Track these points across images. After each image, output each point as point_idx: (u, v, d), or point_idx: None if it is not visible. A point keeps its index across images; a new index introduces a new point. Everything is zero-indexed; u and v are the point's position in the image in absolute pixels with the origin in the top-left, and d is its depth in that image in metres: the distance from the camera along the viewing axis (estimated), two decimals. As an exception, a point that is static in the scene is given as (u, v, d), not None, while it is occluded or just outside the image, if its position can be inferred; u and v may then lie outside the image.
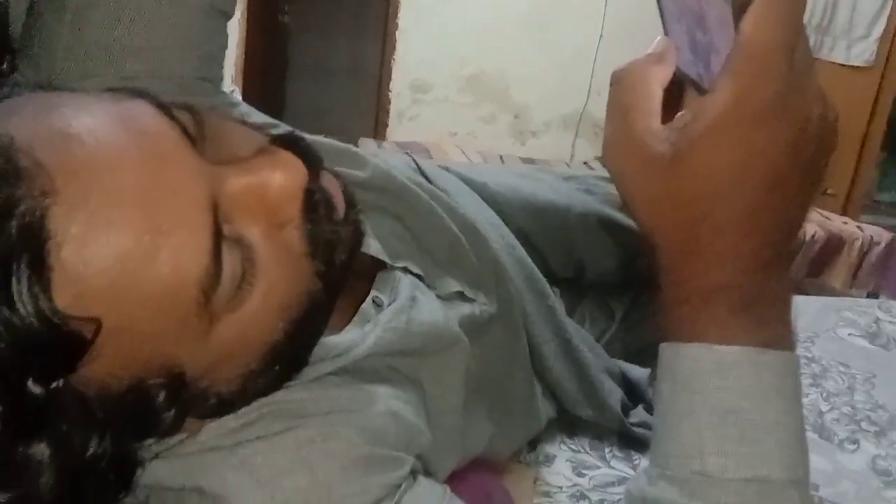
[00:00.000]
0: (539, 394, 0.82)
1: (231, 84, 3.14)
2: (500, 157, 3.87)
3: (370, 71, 4.22)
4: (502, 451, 0.80)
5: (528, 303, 0.79)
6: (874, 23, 3.73)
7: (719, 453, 0.43)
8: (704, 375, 0.44)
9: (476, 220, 0.78)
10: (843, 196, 3.91)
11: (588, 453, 0.88)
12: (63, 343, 0.37)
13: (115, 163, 0.39)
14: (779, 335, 0.44)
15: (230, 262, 0.42)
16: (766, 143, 0.41)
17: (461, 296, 0.71)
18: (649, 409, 0.86)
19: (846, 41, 3.74)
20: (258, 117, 0.70)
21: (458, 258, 0.73)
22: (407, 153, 0.95)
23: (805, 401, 0.46)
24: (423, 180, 0.80)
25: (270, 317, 0.46)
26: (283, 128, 0.67)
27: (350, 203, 0.51)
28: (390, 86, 4.04)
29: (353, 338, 0.57)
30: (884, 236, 3.16)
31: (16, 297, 0.35)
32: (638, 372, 0.88)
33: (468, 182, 0.88)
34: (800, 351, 0.47)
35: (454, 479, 0.67)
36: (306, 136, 0.57)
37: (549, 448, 0.88)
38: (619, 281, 0.95)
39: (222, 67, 0.70)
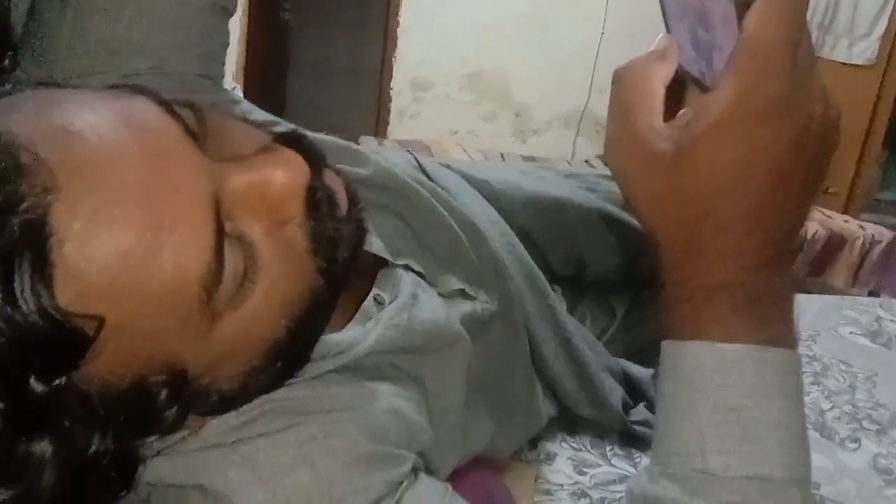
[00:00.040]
0: (540, 392, 0.82)
1: (232, 81, 3.14)
2: (502, 156, 3.87)
3: (371, 69, 4.21)
4: (503, 450, 0.80)
5: (529, 301, 0.79)
6: (876, 21, 3.73)
7: (721, 451, 0.43)
8: (706, 373, 0.44)
9: (476, 218, 0.78)
10: (844, 194, 3.91)
11: (589, 451, 0.88)
12: (65, 340, 0.37)
13: (117, 159, 0.39)
14: (781, 333, 0.44)
15: (232, 259, 0.42)
16: (768, 141, 0.41)
17: (462, 293, 0.71)
18: (650, 408, 0.86)
19: (848, 40, 3.74)
20: (259, 115, 0.70)
21: (459, 256, 0.73)
22: (408, 151, 0.95)
23: (806, 399, 0.46)
24: (423, 178, 0.80)
25: (272, 314, 0.46)
26: (285, 125, 0.67)
27: (353, 201, 0.51)
28: (391, 84, 4.04)
29: (354, 335, 0.57)
30: (885, 235, 3.16)
31: (18, 294, 0.35)
32: (639, 370, 0.88)
33: (469, 179, 0.88)
34: (801, 349, 0.47)
35: (455, 477, 0.67)
36: (308, 133, 0.57)
37: (551, 446, 0.88)
38: (621, 279, 0.95)
39: (224, 65, 0.70)
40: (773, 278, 0.44)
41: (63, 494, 0.39)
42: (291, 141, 0.48)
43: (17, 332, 0.35)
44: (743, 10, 0.40)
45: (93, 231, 0.37)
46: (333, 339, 0.56)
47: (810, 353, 1.17)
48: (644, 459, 0.87)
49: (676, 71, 0.45)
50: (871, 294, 3.04)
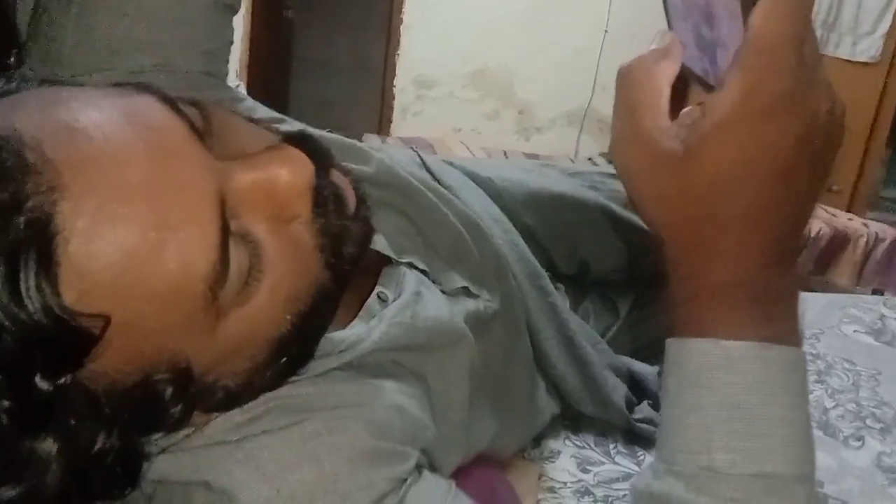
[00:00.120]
0: (542, 390, 0.82)
1: (235, 79, 3.14)
2: (505, 153, 3.87)
3: (374, 66, 4.21)
4: (506, 447, 0.80)
5: (531, 299, 0.79)
6: (880, 19, 3.72)
7: (726, 449, 0.43)
8: (712, 370, 0.44)
9: (479, 216, 0.78)
10: (848, 192, 3.90)
11: (592, 449, 0.88)
12: (70, 339, 0.37)
13: (122, 158, 0.39)
14: (785, 331, 0.44)
15: (237, 257, 0.42)
16: (774, 138, 0.41)
17: (466, 291, 0.71)
18: (654, 406, 0.86)
19: (852, 37, 3.73)
20: (263, 112, 0.70)
21: (463, 254, 0.73)
22: (412, 148, 0.95)
23: (810, 398, 0.46)
24: (427, 176, 0.80)
25: (277, 311, 0.46)
26: (289, 123, 0.67)
27: (361, 199, 0.51)
28: (394, 81, 4.04)
29: (358, 333, 0.57)
30: (889, 233, 3.16)
31: (23, 293, 0.35)
32: (643, 368, 0.88)
33: (473, 177, 0.88)
34: (805, 347, 0.46)
35: (459, 475, 0.67)
36: (315, 132, 0.57)
37: (554, 444, 0.88)
38: (624, 277, 0.95)
39: (227, 62, 0.70)
40: (778, 276, 0.44)
41: (68, 491, 0.39)
42: (297, 140, 0.48)
43: (22, 331, 0.35)
44: (748, 7, 0.40)
45: (98, 229, 0.37)
46: (337, 336, 0.56)
47: (814, 352, 1.16)
48: (647, 457, 0.87)
49: (679, 69, 0.45)
50: (874, 292, 3.03)
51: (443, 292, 0.69)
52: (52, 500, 0.39)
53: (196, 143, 0.42)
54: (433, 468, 0.59)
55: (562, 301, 0.85)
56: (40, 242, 0.36)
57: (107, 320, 0.38)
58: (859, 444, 0.96)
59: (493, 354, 0.72)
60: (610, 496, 0.81)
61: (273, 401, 0.51)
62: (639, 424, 0.84)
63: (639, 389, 0.87)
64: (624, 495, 0.81)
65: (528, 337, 0.79)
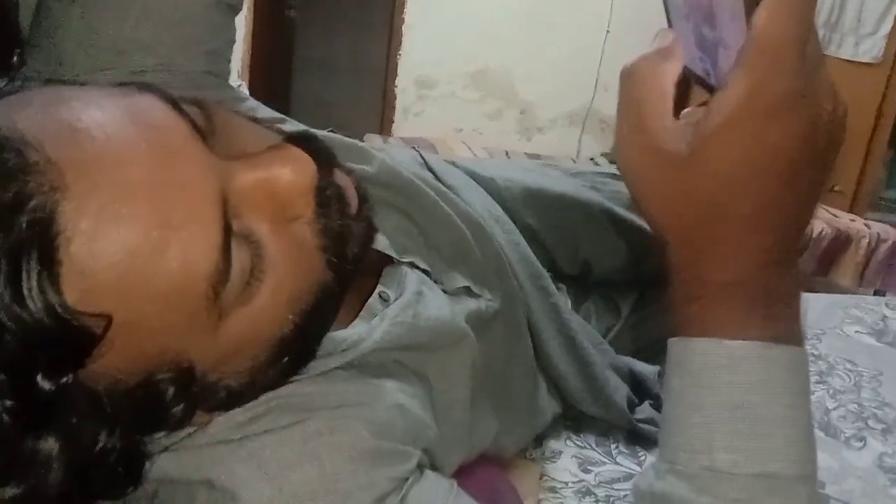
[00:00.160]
0: (544, 390, 0.82)
1: (237, 79, 3.14)
2: (506, 153, 3.87)
3: (376, 66, 4.21)
4: (508, 447, 0.80)
5: (533, 299, 0.79)
6: (882, 19, 3.72)
7: (728, 449, 0.43)
8: (715, 370, 0.44)
9: (481, 216, 0.78)
10: (850, 193, 3.90)
11: (594, 449, 0.88)
12: (72, 338, 0.37)
13: (125, 157, 0.39)
14: (788, 331, 0.44)
15: (239, 257, 0.42)
16: (778, 138, 0.41)
17: (468, 291, 0.71)
18: (656, 406, 0.86)
19: (854, 38, 3.73)
20: (265, 112, 0.71)
21: (464, 254, 0.73)
22: (414, 148, 0.95)
23: (811, 398, 0.46)
24: (429, 175, 0.80)
25: (279, 311, 0.46)
26: (291, 123, 0.68)
27: (363, 199, 0.51)
28: (396, 81, 4.04)
29: (360, 332, 0.57)
30: (891, 234, 3.15)
31: (25, 293, 0.36)
32: (644, 368, 0.88)
33: (475, 177, 0.88)
34: (806, 348, 0.47)
35: (461, 474, 0.67)
36: (317, 132, 0.57)
37: (555, 444, 0.88)
38: (625, 278, 0.95)
39: (229, 62, 0.70)
40: (781, 276, 0.44)
41: (70, 491, 0.39)
42: (300, 140, 0.48)
43: (24, 331, 0.36)
44: (751, 7, 0.40)
45: (100, 229, 0.37)
46: (339, 335, 0.56)
47: (815, 352, 1.16)
48: (649, 457, 0.87)
49: (681, 70, 0.45)
50: (876, 293, 3.03)
51: (444, 292, 0.69)
52: (54, 500, 0.39)
53: (198, 142, 0.42)
54: (435, 468, 0.59)
55: (563, 301, 0.85)
56: (42, 242, 0.36)
57: (109, 320, 0.38)
58: (861, 444, 0.96)
59: (494, 354, 0.72)
60: (611, 496, 0.81)
61: (275, 400, 0.51)
62: (640, 425, 0.84)
63: (640, 390, 0.87)
64: (625, 495, 0.81)
65: (529, 337, 0.79)
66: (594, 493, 0.81)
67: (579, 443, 0.89)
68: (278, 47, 4.18)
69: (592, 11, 3.86)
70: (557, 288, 0.85)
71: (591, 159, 4.00)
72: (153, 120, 0.41)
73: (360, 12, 4.54)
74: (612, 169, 0.84)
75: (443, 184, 0.80)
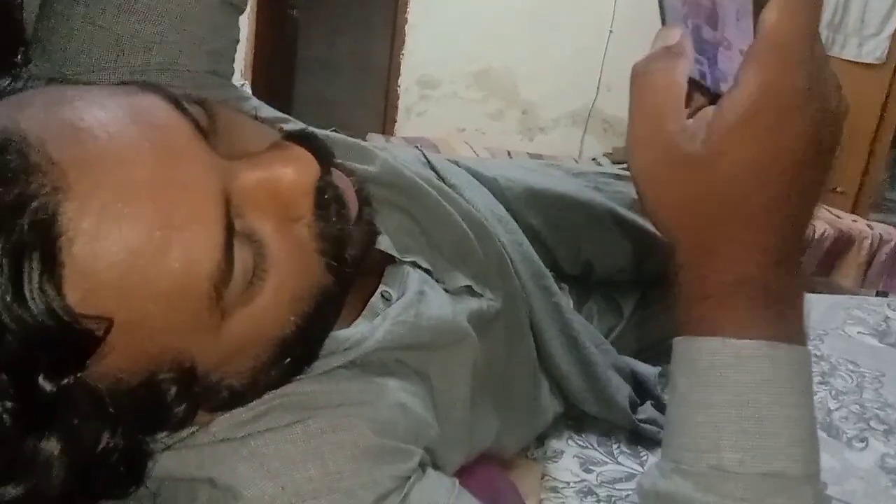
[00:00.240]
0: (546, 390, 0.82)
1: (240, 78, 3.14)
2: (509, 153, 3.87)
3: (379, 66, 4.22)
4: (509, 447, 0.80)
5: (535, 299, 0.79)
6: (886, 20, 3.72)
7: (735, 447, 0.43)
8: (721, 369, 0.44)
9: (484, 215, 0.78)
10: (852, 194, 3.90)
11: (596, 449, 0.88)
12: (74, 340, 0.37)
13: (127, 157, 0.39)
14: (792, 330, 0.44)
15: (242, 256, 0.42)
16: (790, 135, 0.40)
17: (469, 290, 0.71)
18: (657, 406, 0.86)
19: (858, 38, 3.72)
20: (268, 112, 0.71)
21: (466, 253, 0.73)
22: (417, 147, 0.95)
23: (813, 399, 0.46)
24: (431, 175, 0.80)
25: (281, 311, 0.46)
26: (293, 123, 0.68)
27: (364, 201, 0.51)
28: (399, 81, 4.04)
29: (362, 331, 0.57)
30: (893, 235, 3.15)
31: (27, 294, 0.36)
32: (646, 368, 0.88)
33: (477, 176, 0.88)
34: (809, 348, 0.47)
35: (462, 474, 0.67)
36: (318, 131, 0.57)
37: (557, 443, 0.88)
38: (627, 278, 0.95)
39: (233, 62, 0.70)
40: (786, 275, 0.44)
41: (72, 491, 0.39)
42: (301, 139, 0.48)
43: (25, 332, 0.36)
44: (759, 5, 0.39)
45: (102, 229, 0.37)
46: (342, 334, 0.56)
47: (818, 353, 1.16)
48: (651, 457, 0.86)
49: None
50: (879, 294, 3.03)
51: (446, 291, 0.69)
52: (56, 500, 0.39)
53: (201, 142, 0.42)
54: (436, 466, 0.60)
55: (566, 301, 0.85)
56: (44, 244, 0.36)
57: (110, 322, 0.38)
58: (863, 445, 0.96)
59: (495, 354, 0.72)
60: (613, 496, 0.81)
61: (277, 398, 0.51)
62: (642, 425, 0.84)
63: (642, 390, 0.87)
64: (627, 495, 0.81)
65: (531, 337, 0.79)
66: (596, 493, 0.81)
67: (581, 443, 0.89)
68: (281, 47, 4.19)
69: (595, 11, 3.86)
70: (559, 288, 0.85)
71: (594, 159, 4.00)
72: (156, 119, 0.41)
73: (363, 12, 4.54)
74: (615, 169, 0.84)
75: (445, 183, 0.80)
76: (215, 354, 0.44)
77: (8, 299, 0.35)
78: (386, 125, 4.10)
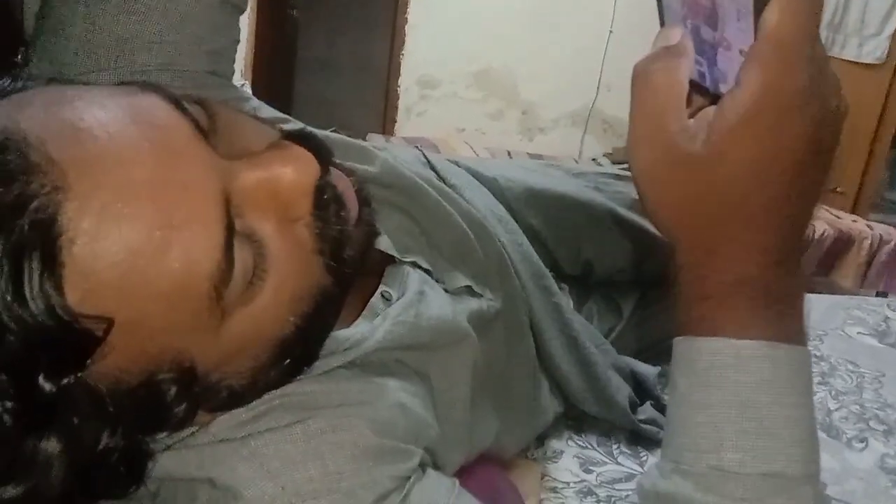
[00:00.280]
0: (545, 390, 0.82)
1: (240, 78, 3.14)
2: (509, 153, 3.87)
3: (379, 66, 4.22)
4: (509, 447, 0.80)
5: (535, 299, 0.79)
6: (886, 20, 3.72)
7: (736, 448, 0.43)
8: (722, 369, 0.44)
9: (484, 215, 0.78)
10: (852, 194, 3.89)
11: (595, 449, 0.88)
12: (74, 340, 0.37)
13: (127, 157, 0.39)
14: (793, 330, 0.44)
15: (242, 256, 0.42)
16: (791, 134, 0.40)
17: (469, 291, 0.71)
18: (657, 406, 0.86)
19: (858, 38, 3.72)
20: (268, 112, 0.71)
21: (466, 253, 0.73)
22: (417, 147, 0.95)
23: (813, 399, 0.46)
24: (431, 175, 0.80)
25: (281, 311, 0.46)
26: (293, 123, 0.68)
27: (364, 202, 0.51)
28: (399, 81, 4.04)
29: (362, 331, 0.57)
30: (893, 235, 3.15)
31: (27, 294, 0.36)
32: (646, 368, 0.88)
33: (477, 176, 0.88)
34: (808, 348, 0.47)
35: (462, 474, 0.67)
36: (317, 131, 0.57)
37: (557, 444, 0.88)
38: (627, 279, 0.95)
39: (233, 62, 0.70)
40: (786, 275, 0.44)
41: (72, 491, 0.39)
42: (301, 139, 0.48)
43: (25, 332, 0.36)
44: (760, 5, 0.39)
45: (102, 229, 0.37)
46: (342, 335, 0.56)
47: (818, 353, 1.16)
48: (650, 458, 0.86)
49: None
50: (879, 294, 3.03)
51: (446, 291, 0.69)
52: (56, 500, 0.39)
53: (201, 142, 0.42)
54: (436, 467, 0.60)
55: (566, 301, 0.85)
56: (44, 244, 0.36)
57: (110, 322, 0.38)
58: (863, 445, 0.96)
59: (495, 354, 0.72)
60: (613, 496, 0.81)
61: (277, 398, 0.51)
62: (642, 425, 0.84)
63: (642, 390, 0.87)
64: (627, 496, 0.81)
65: (531, 337, 0.79)
66: (595, 494, 0.81)
67: (581, 443, 0.89)
68: (281, 47, 4.19)
69: (595, 11, 3.86)
70: (559, 288, 0.85)
71: (594, 159, 4.00)
72: (156, 119, 0.41)
73: (363, 12, 4.54)
74: (615, 169, 0.84)
75: (445, 183, 0.80)
76: (215, 354, 0.44)
77: (8, 299, 0.35)
78: (386, 125, 4.10)
